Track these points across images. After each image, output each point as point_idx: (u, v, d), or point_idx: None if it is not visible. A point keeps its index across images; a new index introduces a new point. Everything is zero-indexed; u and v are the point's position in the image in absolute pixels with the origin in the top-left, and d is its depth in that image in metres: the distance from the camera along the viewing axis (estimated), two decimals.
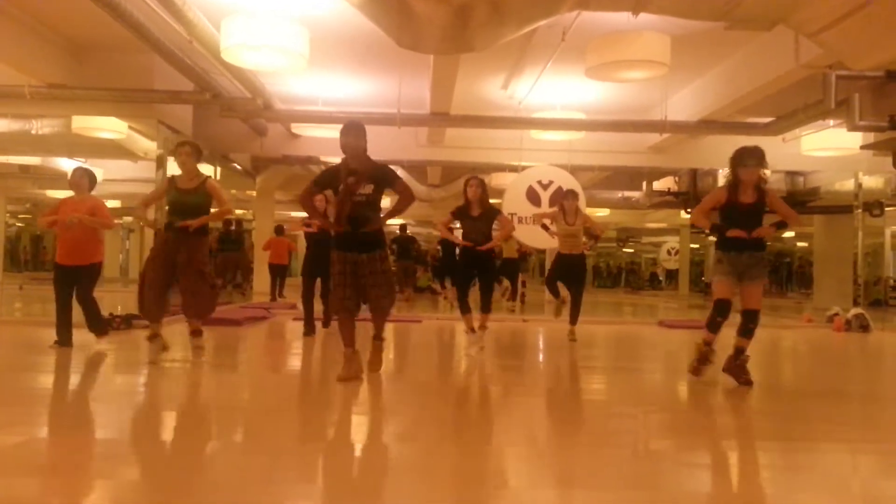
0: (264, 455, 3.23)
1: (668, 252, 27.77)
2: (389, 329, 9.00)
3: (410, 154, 11.90)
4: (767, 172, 5.25)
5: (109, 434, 3.75)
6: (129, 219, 20.55)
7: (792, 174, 14.45)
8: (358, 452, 3.46)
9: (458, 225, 7.05)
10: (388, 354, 6.91)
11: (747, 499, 2.94)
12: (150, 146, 10.25)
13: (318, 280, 7.68)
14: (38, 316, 10.88)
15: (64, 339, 6.27)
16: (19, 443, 3.34)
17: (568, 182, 11.02)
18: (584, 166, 12.35)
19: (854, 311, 10.41)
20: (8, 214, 19.99)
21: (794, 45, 6.96)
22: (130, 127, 10.11)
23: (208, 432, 3.85)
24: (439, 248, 16.64)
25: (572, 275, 7.84)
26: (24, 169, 15.28)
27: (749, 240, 5.11)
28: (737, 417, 4.60)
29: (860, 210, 12.31)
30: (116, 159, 12.53)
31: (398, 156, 12.06)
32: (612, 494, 2.82)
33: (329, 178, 5.22)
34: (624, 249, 37.40)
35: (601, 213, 19.75)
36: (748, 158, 5.16)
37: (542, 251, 16.13)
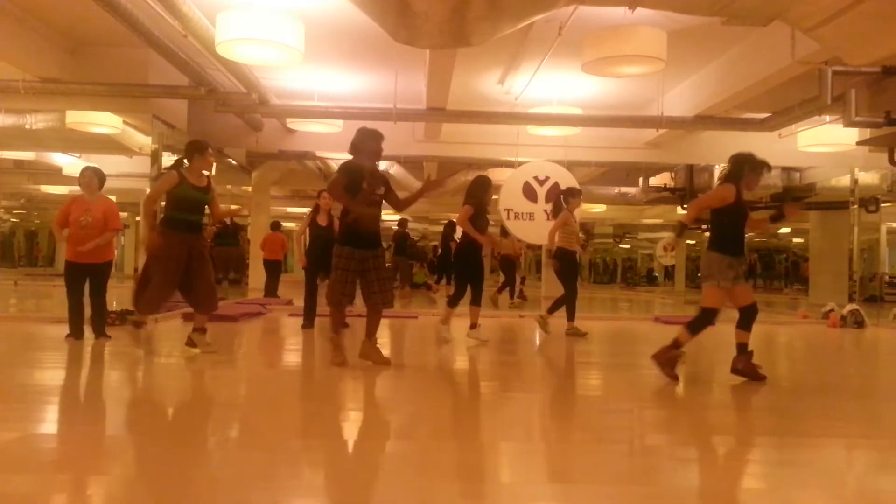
0: (262, 451, 3.22)
1: (665, 248, 27.79)
2: (385, 324, 9.00)
3: (407, 149, 11.89)
4: None
5: (107, 430, 3.74)
6: (124, 214, 20.52)
7: (788, 170, 14.47)
8: (355, 448, 3.45)
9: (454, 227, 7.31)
10: (385, 351, 6.92)
11: (743, 494, 2.94)
12: (144, 141, 10.22)
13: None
14: (33, 312, 10.87)
15: (78, 333, 6.44)
16: (16, 438, 3.33)
17: (564, 178, 11.03)
18: (580, 162, 12.35)
19: (849, 307, 10.43)
20: (2, 210, 19.91)
21: (790, 40, 6.96)
22: (125, 122, 10.07)
23: (206, 428, 3.84)
24: (437, 245, 16.67)
25: (571, 269, 7.97)
26: (19, 164, 15.24)
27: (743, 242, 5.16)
28: (732, 413, 4.60)
29: (856, 206, 12.33)
30: (111, 154, 12.49)
31: (395, 151, 12.04)
32: (608, 489, 2.82)
33: (356, 180, 5.28)
34: (620, 245, 37.44)
35: (597, 209, 19.76)
36: (765, 169, 5.16)
37: (539, 247, 16.12)
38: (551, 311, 8.02)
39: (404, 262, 15.76)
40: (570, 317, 7.91)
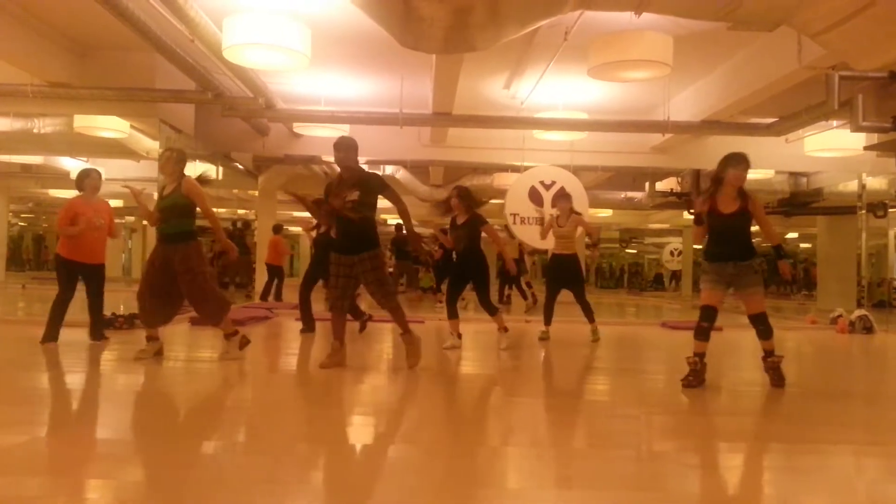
0: (265, 455, 3.22)
1: (671, 253, 27.73)
2: (392, 330, 8.99)
3: (413, 154, 11.89)
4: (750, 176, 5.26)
5: (111, 433, 3.74)
6: (131, 218, 20.58)
7: (795, 175, 14.42)
8: (359, 453, 3.45)
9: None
10: (388, 354, 6.92)
11: (750, 501, 2.92)
12: (152, 145, 10.25)
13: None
14: (41, 316, 10.89)
15: (56, 336, 6.43)
16: (22, 442, 3.34)
17: (570, 182, 11.01)
18: (586, 166, 12.33)
19: (858, 312, 10.36)
20: (10, 214, 19.99)
21: (797, 45, 6.94)
22: (132, 126, 10.10)
23: (210, 431, 3.84)
24: (439, 248, 16.63)
25: (568, 274, 7.97)
26: (27, 168, 15.30)
27: (734, 249, 5.09)
28: (740, 419, 4.57)
29: (864, 211, 12.27)
30: (118, 158, 12.52)
31: (400, 156, 12.06)
32: (614, 495, 2.81)
33: (326, 190, 5.66)
34: (627, 250, 37.35)
35: (603, 213, 19.71)
36: (738, 161, 5.15)
37: (544, 252, 16.09)
38: (590, 320, 8.08)
39: (409, 266, 15.74)
40: (546, 320, 8.03)
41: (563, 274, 7.96)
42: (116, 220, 7.04)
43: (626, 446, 3.67)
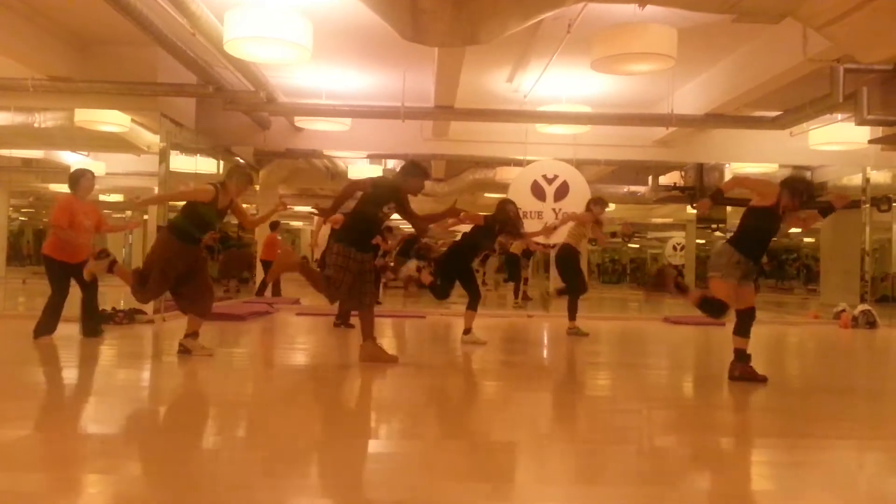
0: (266, 449, 3.20)
1: (674, 247, 27.67)
2: (393, 324, 8.98)
3: (415, 148, 11.85)
4: None
5: (112, 429, 3.73)
6: (129, 213, 20.56)
7: (799, 169, 14.36)
8: (362, 448, 3.43)
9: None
10: (391, 349, 6.90)
11: (753, 495, 2.90)
12: (153, 139, 10.23)
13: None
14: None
15: (53, 329, 6.40)
16: (22, 437, 3.32)
17: (573, 176, 10.97)
18: (589, 160, 12.27)
19: (861, 307, 10.34)
20: (11, 208, 19.97)
21: (801, 38, 6.88)
22: (133, 120, 10.08)
23: (211, 426, 3.83)
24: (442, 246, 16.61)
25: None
26: (27, 162, 15.27)
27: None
28: (742, 414, 4.55)
29: (868, 205, 12.22)
30: (119, 153, 12.50)
31: (402, 149, 12.00)
32: (617, 490, 2.79)
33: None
34: (629, 245, 37.26)
35: (606, 207, 19.64)
36: (804, 194, 5.11)
37: (550, 246, 16.04)
38: (571, 317, 7.95)
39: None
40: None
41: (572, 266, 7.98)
42: (117, 216, 7.05)
43: (629, 441, 3.66)
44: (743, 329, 5.08)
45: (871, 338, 9.20)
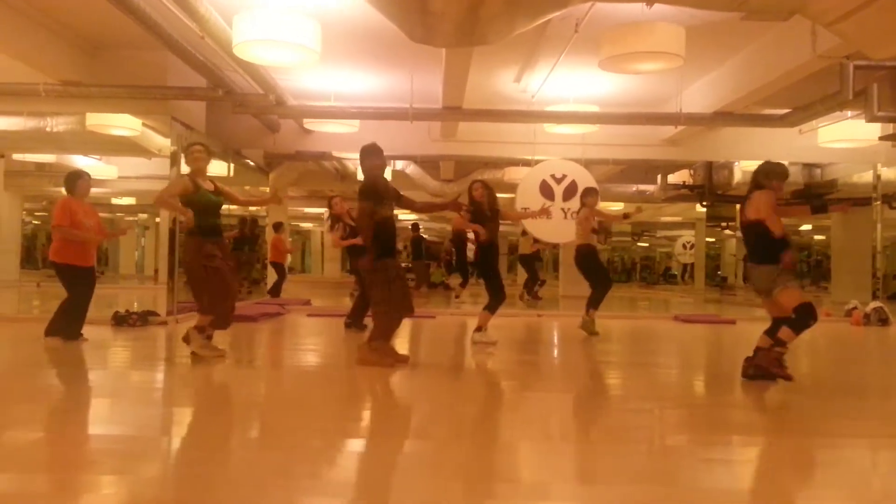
0: (279, 450, 3.23)
1: (684, 246, 27.59)
2: (403, 324, 8.99)
3: (423, 149, 11.88)
4: None
5: (126, 430, 3.76)
6: (143, 216, 20.67)
7: (809, 166, 14.29)
8: (373, 448, 3.45)
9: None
10: (403, 350, 6.92)
11: (765, 494, 2.90)
12: (163, 143, 10.29)
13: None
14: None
15: (78, 333, 6.44)
16: (36, 439, 3.36)
17: (582, 176, 10.97)
18: (598, 160, 12.26)
19: (873, 304, 10.28)
20: (24, 212, 20.11)
21: (810, 35, 6.86)
22: (144, 124, 10.14)
23: (225, 427, 3.85)
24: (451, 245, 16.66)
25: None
26: (40, 167, 15.39)
27: None
28: (754, 413, 4.55)
29: (879, 202, 12.16)
30: (130, 156, 12.58)
31: (411, 150, 12.05)
32: (628, 489, 2.80)
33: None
34: (639, 244, 37.15)
35: (615, 206, 19.62)
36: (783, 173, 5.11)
37: (556, 246, 16.05)
38: (591, 307, 7.79)
39: (421, 264, 15.80)
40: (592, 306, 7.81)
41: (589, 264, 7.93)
42: (129, 218, 7.09)
43: (640, 440, 3.66)
44: (773, 331, 5.04)
45: (884, 335, 9.15)
